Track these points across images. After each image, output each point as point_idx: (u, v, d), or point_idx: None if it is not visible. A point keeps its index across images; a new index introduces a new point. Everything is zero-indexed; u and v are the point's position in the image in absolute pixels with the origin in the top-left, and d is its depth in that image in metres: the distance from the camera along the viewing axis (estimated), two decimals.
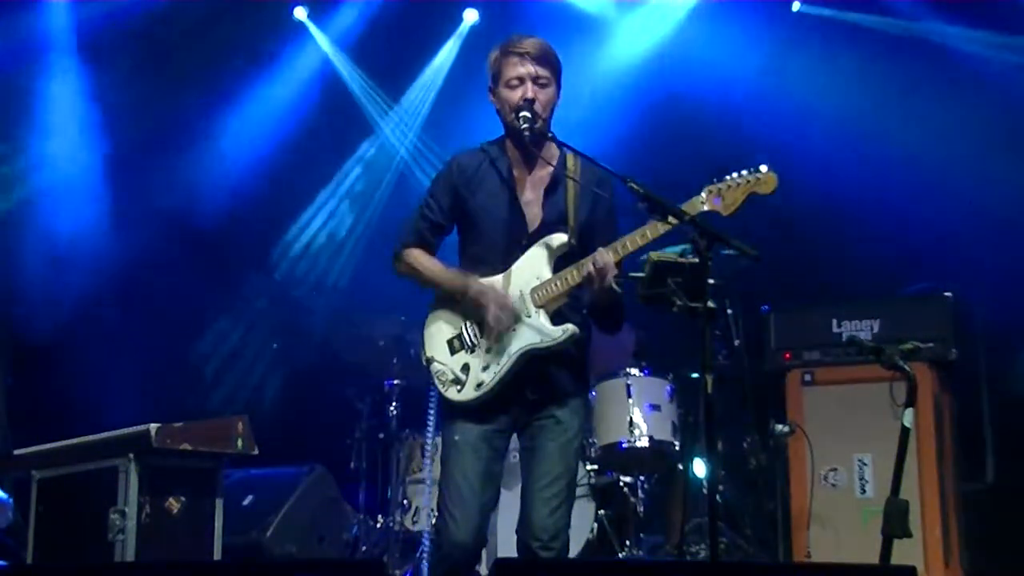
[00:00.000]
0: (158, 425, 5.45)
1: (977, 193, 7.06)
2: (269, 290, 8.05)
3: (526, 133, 4.26)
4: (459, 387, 4.37)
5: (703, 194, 4.10)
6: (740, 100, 7.64)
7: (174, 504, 5.65)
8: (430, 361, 4.39)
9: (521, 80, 4.28)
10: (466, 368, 4.35)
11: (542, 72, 4.29)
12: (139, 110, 8.00)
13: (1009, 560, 6.05)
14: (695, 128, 7.51)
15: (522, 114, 4.21)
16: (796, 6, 7.98)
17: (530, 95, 4.27)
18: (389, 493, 6.58)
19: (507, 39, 4.35)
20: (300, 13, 8.35)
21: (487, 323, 4.29)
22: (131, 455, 5.41)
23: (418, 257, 4.40)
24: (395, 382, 6.61)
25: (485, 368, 4.31)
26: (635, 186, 3.98)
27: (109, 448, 5.52)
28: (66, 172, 7.94)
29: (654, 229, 4.08)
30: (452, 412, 4.35)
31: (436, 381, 4.38)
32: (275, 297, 8.10)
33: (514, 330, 4.27)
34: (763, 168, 4.08)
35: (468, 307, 4.33)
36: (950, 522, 5.76)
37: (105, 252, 7.64)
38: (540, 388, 4.28)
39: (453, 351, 4.37)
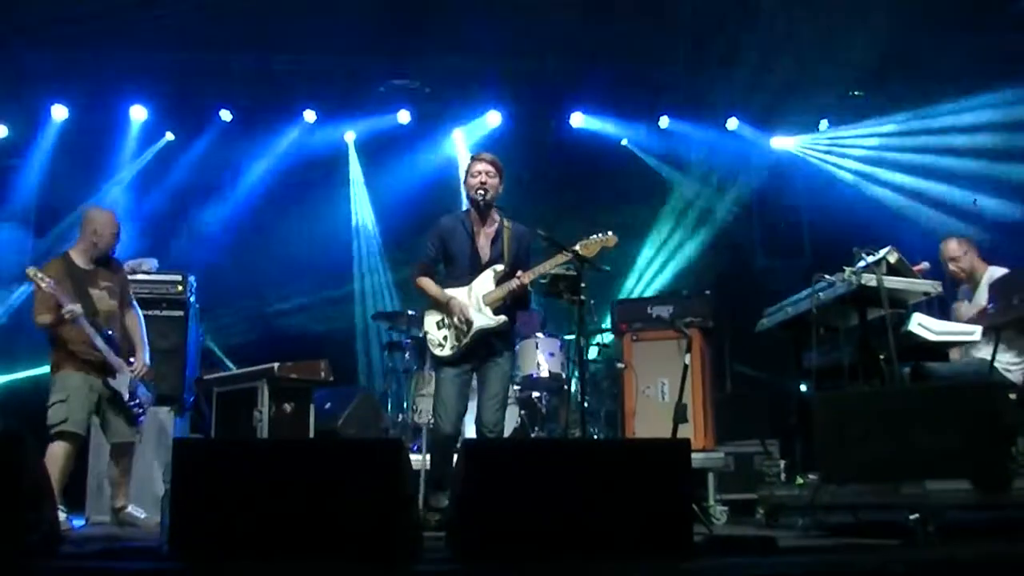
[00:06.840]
0: (279, 364, 6.11)
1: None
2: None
3: (481, 203, 4.82)
4: (441, 348, 4.84)
5: (578, 244, 4.69)
6: None
7: (287, 407, 6.12)
8: (426, 334, 4.94)
9: (480, 173, 4.80)
10: (446, 338, 4.83)
11: (492, 170, 4.83)
12: None
13: (736, 434, 6.61)
14: None
15: (479, 192, 4.80)
16: None
17: (484, 180, 4.81)
18: (405, 403, 6.89)
19: (475, 153, 4.95)
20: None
21: (453, 319, 4.83)
22: (265, 379, 6.06)
23: (423, 282, 4.95)
24: (408, 341, 7.00)
25: (456, 339, 4.81)
26: (541, 233, 4.72)
27: (253, 376, 6.18)
28: None
29: (553, 261, 4.71)
30: (440, 362, 4.85)
31: (429, 344, 4.91)
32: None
33: (473, 319, 4.76)
34: (610, 232, 4.74)
35: (446, 309, 4.88)
36: (707, 414, 6.38)
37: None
38: (487, 349, 4.85)
39: (439, 328, 4.87)
